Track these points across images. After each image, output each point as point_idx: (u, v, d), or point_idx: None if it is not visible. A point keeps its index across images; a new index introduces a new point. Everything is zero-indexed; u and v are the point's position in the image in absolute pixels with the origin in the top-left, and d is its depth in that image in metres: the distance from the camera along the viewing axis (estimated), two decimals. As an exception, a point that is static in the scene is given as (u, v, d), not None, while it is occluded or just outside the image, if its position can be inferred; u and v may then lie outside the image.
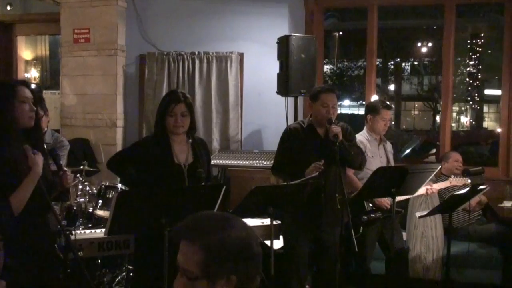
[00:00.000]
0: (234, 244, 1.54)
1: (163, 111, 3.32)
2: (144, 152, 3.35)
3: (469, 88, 18.14)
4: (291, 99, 5.33)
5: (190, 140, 3.40)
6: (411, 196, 4.34)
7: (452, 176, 4.70)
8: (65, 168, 2.92)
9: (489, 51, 16.19)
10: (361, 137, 4.39)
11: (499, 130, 6.47)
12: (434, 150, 8.97)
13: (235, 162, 5.37)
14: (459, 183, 4.56)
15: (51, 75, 9.66)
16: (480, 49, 16.70)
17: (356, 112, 19.91)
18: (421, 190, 4.34)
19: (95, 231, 3.92)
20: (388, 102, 4.63)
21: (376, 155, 4.40)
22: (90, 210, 4.66)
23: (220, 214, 1.66)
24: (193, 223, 1.58)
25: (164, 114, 3.32)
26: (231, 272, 1.53)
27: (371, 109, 4.49)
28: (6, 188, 2.56)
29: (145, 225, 2.84)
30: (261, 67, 5.80)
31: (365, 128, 4.52)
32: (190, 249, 1.54)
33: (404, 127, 20.07)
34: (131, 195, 2.88)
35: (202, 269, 1.52)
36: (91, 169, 5.01)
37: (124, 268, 4.39)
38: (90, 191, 4.81)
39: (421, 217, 4.33)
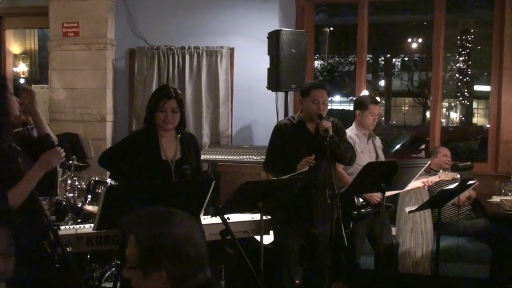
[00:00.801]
0: (168, 242, 1.62)
1: (153, 106, 3.30)
2: (133, 147, 3.33)
3: (459, 84, 18.23)
4: (281, 94, 5.32)
5: (179, 135, 3.38)
6: (401, 191, 4.36)
7: (441, 170, 4.72)
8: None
9: (479, 47, 16.26)
10: (350, 132, 4.40)
11: (488, 125, 6.50)
12: (423, 146, 9.01)
13: (225, 157, 5.36)
14: (448, 178, 4.59)
15: (40, 69, 9.61)
16: (469, 45, 16.76)
17: (347, 107, 19.94)
18: (417, 183, 4.37)
19: (84, 226, 3.89)
20: (377, 97, 4.64)
21: (366, 150, 4.41)
22: (79, 205, 4.64)
23: (164, 211, 1.72)
24: (137, 218, 1.69)
25: (154, 109, 3.29)
26: (162, 268, 1.62)
27: (360, 104, 4.51)
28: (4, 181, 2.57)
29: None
30: (251, 62, 5.78)
31: (354, 123, 4.53)
32: (131, 241, 1.65)
33: (394, 122, 20.14)
34: (120, 190, 2.87)
35: (137, 260, 1.63)
36: (80, 164, 4.98)
37: (113, 263, 4.37)
38: (79, 186, 4.79)
39: (410, 212, 4.35)
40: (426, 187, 4.61)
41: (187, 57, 5.83)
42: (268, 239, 4.06)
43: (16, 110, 2.76)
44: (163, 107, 3.25)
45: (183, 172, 3.17)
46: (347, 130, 4.34)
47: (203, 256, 1.69)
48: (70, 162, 4.70)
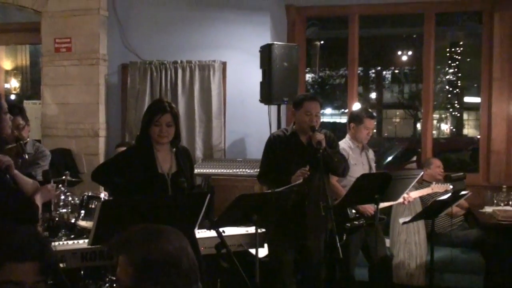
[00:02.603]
0: (161, 257, 1.60)
1: (148, 120, 3.31)
2: (128, 161, 3.33)
3: (449, 95, 18.36)
4: (274, 107, 5.34)
5: (174, 149, 3.40)
6: (394, 202, 4.38)
7: (434, 182, 4.75)
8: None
9: (468, 59, 16.40)
10: (344, 144, 4.42)
11: (478, 136, 6.56)
12: (415, 157, 9.07)
13: (219, 170, 5.36)
14: (440, 189, 4.62)
15: (32, 85, 9.58)
16: (459, 57, 16.92)
17: (338, 120, 20.01)
18: (399, 199, 4.37)
19: (78, 242, 3.88)
20: (371, 111, 4.68)
21: (359, 162, 4.43)
22: (73, 221, 4.61)
23: (153, 227, 1.71)
24: (125, 238, 1.66)
25: (149, 123, 3.31)
26: (157, 284, 1.60)
27: (355, 118, 4.53)
28: None
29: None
30: (244, 75, 5.81)
31: (347, 135, 4.55)
32: (122, 261, 1.63)
33: (386, 134, 20.21)
34: (115, 205, 2.86)
35: (131, 280, 1.60)
36: (73, 179, 4.96)
37: (107, 279, 4.34)
38: (72, 201, 4.76)
39: (404, 223, 4.37)
40: (405, 203, 4.55)
41: (180, 71, 5.85)
42: (263, 252, 4.05)
43: (8, 129, 2.78)
44: (158, 121, 3.27)
45: (180, 185, 3.17)
46: (340, 142, 4.37)
47: (196, 268, 1.69)
48: (63, 177, 4.69)
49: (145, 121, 3.33)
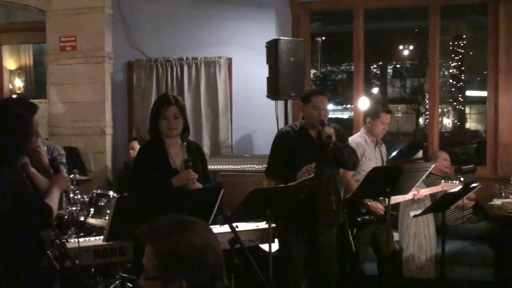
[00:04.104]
0: (187, 251, 1.59)
1: (155, 115, 3.32)
2: (145, 160, 3.34)
3: (452, 89, 18.33)
4: (281, 103, 5.33)
5: (185, 143, 3.40)
6: (404, 198, 4.39)
7: (443, 180, 4.71)
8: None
9: (471, 53, 16.37)
10: (360, 138, 4.41)
11: (481, 130, 6.57)
12: (420, 151, 9.08)
13: (226, 167, 5.37)
14: (449, 188, 4.56)
15: (35, 85, 9.58)
16: (462, 51, 16.88)
17: (340, 116, 20.02)
18: (408, 196, 4.36)
19: (89, 239, 3.88)
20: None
21: (373, 157, 4.42)
22: (82, 218, 4.62)
23: (183, 219, 1.69)
24: (154, 227, 1.65)
25: (157, 118, 3.32)
26: (182, 277, 1.59)
27: (371, 112, 4.51)
28: None
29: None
30: (249, 71, 5.81)
31: (362, 129, 4.54)
32: (148, 251, 1.62)
33: (388, 129, 20.24)
34: (130, 200, 2.86)
35: (156, 270, 1.60)
36: (82, 178, 4.96)
37: (118, 276, 4.34)
38: (81, 199, 4.76)
39: (415, 216, 4.37)
40: (415, 199, 4.59)
41: (186, 68, 5.85)
42: (273, 247, 4.04)
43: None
44: (165, 114, 3.29)
45: (186, 165, 3.19)
46: (356, 136, 4.38)
47: (222, 264, 1.67)
48: (72, 175, 4.68)
49: (153, 116, 3.35)
